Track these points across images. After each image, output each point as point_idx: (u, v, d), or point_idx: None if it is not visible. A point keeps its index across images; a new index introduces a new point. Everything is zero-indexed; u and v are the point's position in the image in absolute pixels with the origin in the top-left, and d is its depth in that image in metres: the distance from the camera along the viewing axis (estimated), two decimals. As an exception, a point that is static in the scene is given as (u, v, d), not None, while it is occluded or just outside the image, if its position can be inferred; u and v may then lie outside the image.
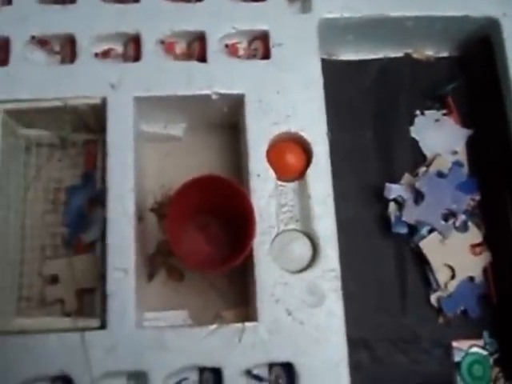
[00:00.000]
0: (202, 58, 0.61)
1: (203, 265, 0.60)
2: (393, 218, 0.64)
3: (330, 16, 0.63)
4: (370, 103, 0.68)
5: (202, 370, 0.56)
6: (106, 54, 0.61)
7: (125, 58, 0.62)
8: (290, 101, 0.60)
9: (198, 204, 0.61)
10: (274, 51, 0.61)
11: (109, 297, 0.55)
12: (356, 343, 0.61)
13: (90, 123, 0.61)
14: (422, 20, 0.64)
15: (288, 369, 0.56)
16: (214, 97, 0.60)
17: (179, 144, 0.66)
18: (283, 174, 0.60)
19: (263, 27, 0.62)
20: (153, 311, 0.60)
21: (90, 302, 0.60)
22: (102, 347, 0.54)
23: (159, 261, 0.63)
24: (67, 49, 0.61)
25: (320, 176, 0.59)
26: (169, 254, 0.62)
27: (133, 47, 0.61)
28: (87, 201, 0.63)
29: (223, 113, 0.63)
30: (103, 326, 0.55)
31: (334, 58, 0.68)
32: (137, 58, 0.61)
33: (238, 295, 0.62)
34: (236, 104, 0.61)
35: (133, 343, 0.55)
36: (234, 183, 0.58)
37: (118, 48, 0.62)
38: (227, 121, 0.64)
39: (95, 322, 0.56)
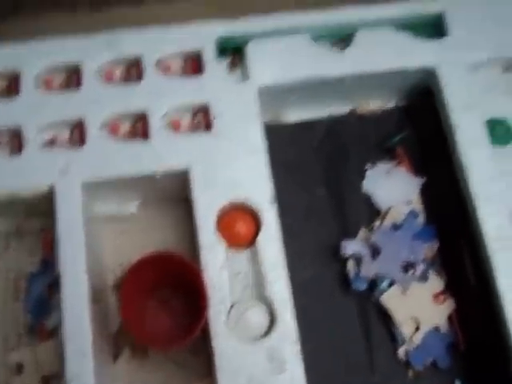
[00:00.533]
0: (146, 137, 0.62)
1: (163, 341, 0.60)
2: (351, 275, 0.64)
3: (269, 82, 0.64)
4: (320, 162, 0.68)
5: None
6: (52, 142, 0.63)
7: (71, 143, 0.63)
8: (234, 170, 0.61)
9: (155, 280, 0.61)
10: (215, 122, 0.63)
11: (70, 382, 0.55)
12: (326, 406, 0.61)
13: (43, 210, 0.62)
14: (361, 77, 0.65)
15: None
16: (159, 175, 0.61)
17: (134, 221, 0.67)
18: (235, 243, 0.61)
19: (203, 100, 0.63)
20: (121, 391, 0.61)
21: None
22: None
23: (123, 340, 0.63)
24: (15, 140, 0.62)
25: (270, 242, 0.60)
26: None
27: (78, 133, 0.63)
28: (47, 287, 0.63)
29: (174, 187, 0.64)
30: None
31: (280, 120, 0.69)
32: (82, 142, 0.62)
33: (203, 368, 0.61)
34: (183, 178, 0.62)
35: (97, 428, 0.55)
36: (182, 258, 0.58)
37: (64, 134, 0.63)
38: (179, 194, 0.64)
39: (59, 411, 0.57)
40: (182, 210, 0.66)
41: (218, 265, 0.59)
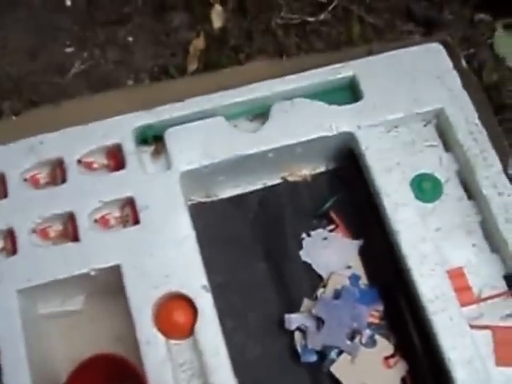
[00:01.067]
0: (76, 237, 0.62)
1: None
2: (299, 348, 0.63)
3: (191, 167, 0.64)
4: (257, 235, 0.68)
5: None
6: (-17, 253, 0.63)
7: (6, 252, 0.63)
8: (165, 261, 0.61)
9: (101, 379, 0.61)
10: (142, 215, 0.63)
11: None
12: None
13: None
14: (282, 149, 0.65)
15: None
16: (92, 273, 0.61)
17: (82, 314, 0.66)
18: (175, 334, 0.60)
19: (128, 194, 0.64)
20: None
21: None
22: None
23: None
24: None
25: (208, 328, 0.59)
26: None
27: (9, 242, 0.63)
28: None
29: (112, 280, 0.63)
30: None
31: (214, 197, 0.69)
32: (14, 251, 0.62)
33: None
34: (116, 274, 0.62)
35: None
36: (122, 360, 0.58)
37: (-2, 244, 0.64)
38: (120, 286, 0.64)
39: None
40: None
41: (159, 359, 0.58)
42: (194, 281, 0.61)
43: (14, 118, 0.69)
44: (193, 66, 0.75)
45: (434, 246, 0.62)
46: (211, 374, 0.58)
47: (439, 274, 0.61)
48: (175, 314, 0.61)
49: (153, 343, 0.59)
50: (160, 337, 0.59)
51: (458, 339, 0.59)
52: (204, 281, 0.60)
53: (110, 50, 0.75)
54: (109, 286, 0.64)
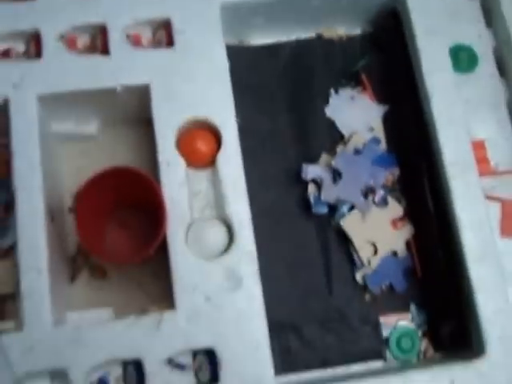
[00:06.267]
0: (106, 51, 0.60)
1: (121, 256, 0.60)
2: (312, 199, 0.64)
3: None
4: (284, 86, 0.67)
5: (126, 364, 0.55)
6: (6, 54, 0.60)
7: (27, 56, 0.61)
8: (196, 87, 0.60)
9: (113, 201, 0.60)
10: (177, 38, 0.61)
11: (23, 298, 0.54)
12: (284, 327, 0.61)
13: (-3, 126, 0.61)
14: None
15: (211, 356, 0.55)
16: (118, 89, 0.59)
17: (95, 142, 0.65)
18: (195, 161, 0.60)
19: (164, 15, 0.62)
20: (78, 310, 0.59)
21: (13, 306, 0.59)
22: (19, 348, 0.53)
23: (81, 261, 0.62)
24: (-33, 52, 0.61)
25: (230, 160, 0.59)
26: (89, 253, 0.62)
27: (33, 45, 0.61)
28: (3, 207, 0.62)
29: (134, 104, 0.62)
30: (20, 328, 0.54)
31: (246, 43, 0.68)
32: (38, 55, 0.60)
33: (163, 290, 0.60)
34: (143, 94, 0.60)
35: (50, 342, 0.54)
36: (140, 172, 0.57)
37: (20, 47, 0.61)
38: (140, 114, 0.62)
39: (10, 324, 0.56)
40: (142, 132, 0.64)
41: (178, 182, 0.58)
42: (223, 112, 0.60)
43: None
44: None
45: (463, 115, 0.62)
46: (227, 205, 0.58)
47: (463, 140, 0.61)
48: (198, 142, 0.60)
49: (173, 166, 0.58)
50: (180, 160, 0.58)
51: (472, 204, 0.60)
52: (233, 113, 0.60)
53: None
54: (127, 111, 0.63)
